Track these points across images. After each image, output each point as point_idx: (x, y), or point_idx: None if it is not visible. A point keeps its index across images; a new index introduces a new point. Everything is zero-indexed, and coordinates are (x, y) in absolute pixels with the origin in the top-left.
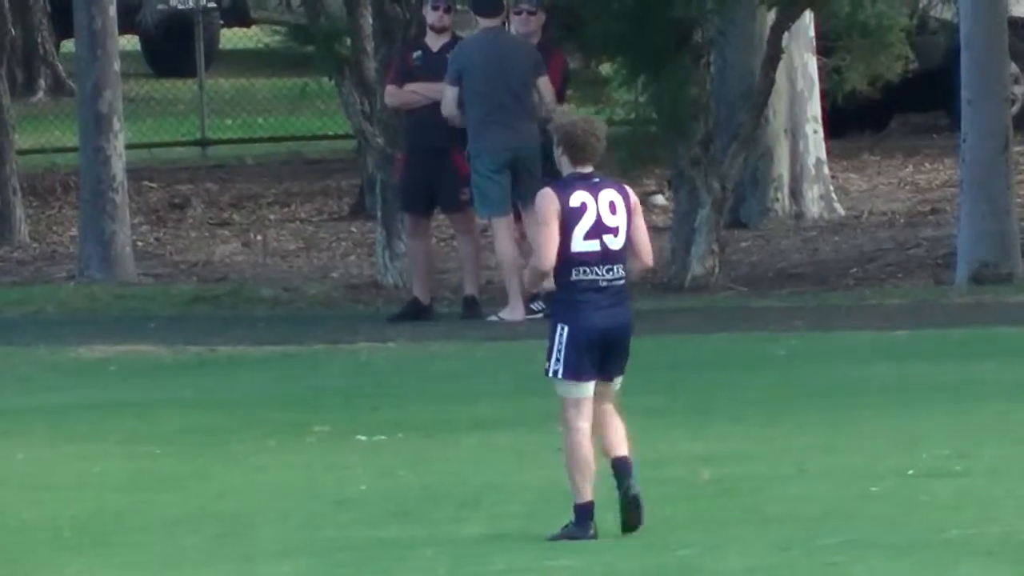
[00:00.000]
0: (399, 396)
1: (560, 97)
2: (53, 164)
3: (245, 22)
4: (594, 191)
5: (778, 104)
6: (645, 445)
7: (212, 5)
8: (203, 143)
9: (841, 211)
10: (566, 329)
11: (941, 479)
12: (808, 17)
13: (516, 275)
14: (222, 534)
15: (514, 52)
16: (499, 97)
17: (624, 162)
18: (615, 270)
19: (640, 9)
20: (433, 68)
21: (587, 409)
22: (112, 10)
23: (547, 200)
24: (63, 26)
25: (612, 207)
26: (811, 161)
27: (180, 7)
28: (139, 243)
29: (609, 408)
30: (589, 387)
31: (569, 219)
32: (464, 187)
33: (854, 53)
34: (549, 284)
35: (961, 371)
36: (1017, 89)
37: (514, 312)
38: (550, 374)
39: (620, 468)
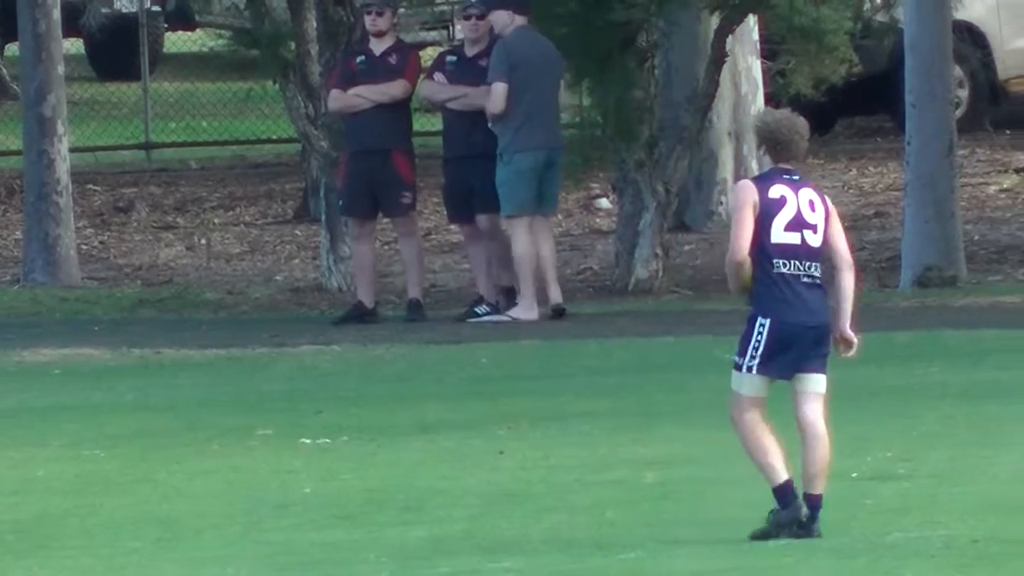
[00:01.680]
0: (343, 399)
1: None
2: None
3: (189, 25)
4: (794, 187)
5: (722, 107)
6: (588, 449)
7: (156, 9)
8: (147, 147)
9: None
10: (768, 324)
11: (885, 482)
12: (752, 20)
13: (531, 275)
14: (165, 538)
15: (553, 52)
16: (543, 96)
17: (569, 166)
18: (815, 267)
19: (584, 12)
20: (376, 72)
21: (758, 405)
22: (56, 13)
23: (745, 189)
24: (7, 29)
25: (811, 205)
26: (755, 164)
27: (124, 10)
28: (83, 246)
29: (813, 421)
30: (768, 388)
31: (769, 209)
32: (405, 190)
33: (798, 56)
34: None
35: (905, 374)
36: (961, 92)
37: (528, 311)
38: (743, 369)
39: (810, 506)
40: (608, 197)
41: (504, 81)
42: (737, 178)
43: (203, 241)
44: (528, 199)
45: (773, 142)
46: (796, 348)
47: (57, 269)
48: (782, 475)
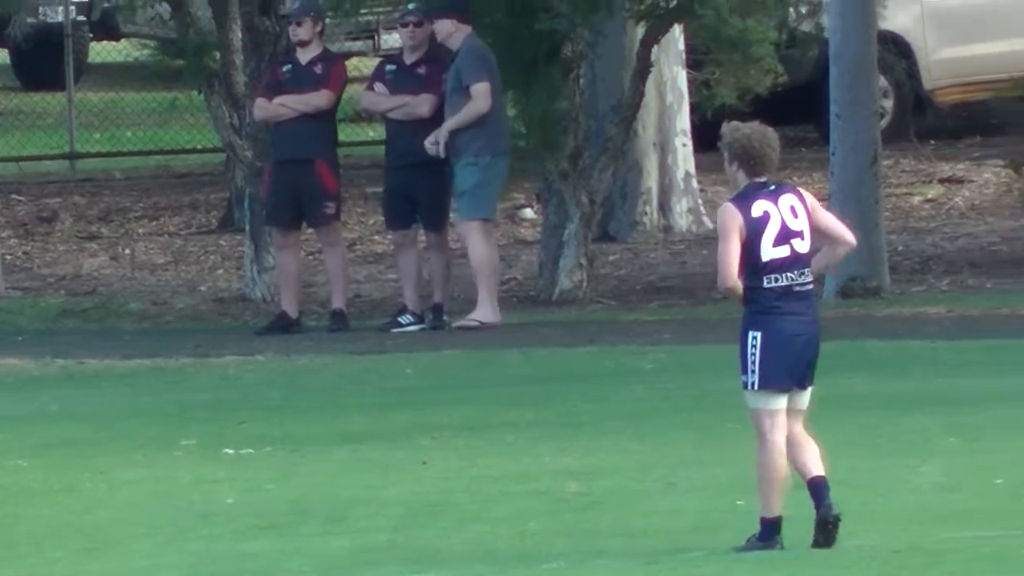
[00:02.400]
0: (267, 409)
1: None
2: None
3: (115, 36)
4: (774, 198)
5: (647, 118)
6: (511, 460)
7: (82, 19)
8: (72, 156)
9: (709, 224)
10: (759, 336)
11: (806, 492)
12: (678, 31)
13: (492, 278)
14: (90, 548)
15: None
16: (500, 102)
17: None
18: (805, 274)
19: (509, 22)
20: (302, 81)
21: (782, 421)
22: None
23: (728, 215)
24: None
25: (793, 211)
26: (680, 175)
27: (50, 20)
28: (7, 256)
29: (801, 430)
30: (783, 399)
31: (755, 228)
32: (329, 200)
33: (723, 67)
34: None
35: (828, 384)
36: (886, 102)
37: (493, 314)
38: (748, 387)
39: (816, 488)
40: (532, 207)
41: (487, 81)
42: (662, 189)
43: (127, 251)
44: (494, 204)
45: (747, 157)
46: (790, 356)
47: None
48: (776, 511)
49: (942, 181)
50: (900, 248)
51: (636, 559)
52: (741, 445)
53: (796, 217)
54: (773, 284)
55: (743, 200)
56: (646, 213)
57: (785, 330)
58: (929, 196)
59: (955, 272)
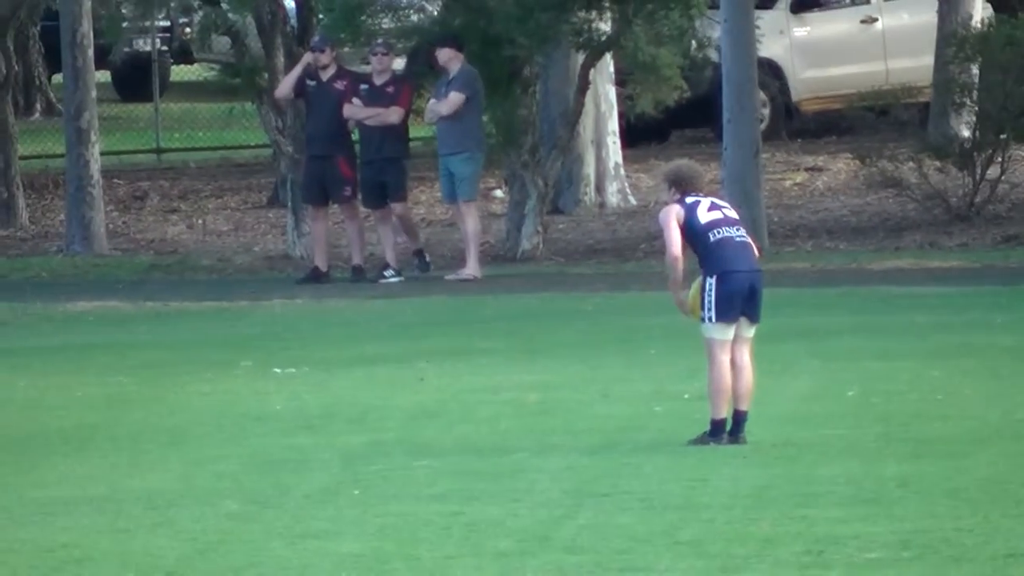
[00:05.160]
0: (304, 339)
1: (408, 114)
2: (46, 167)
3: (190, 60)
4: (703, 197)
5: (587, 122)
6: (486, 377)
7: (164, 48)
8: (158, 151)
9: (634, 201)
10: (713, 279)
11: (707, 402)
12: (609, 57)
13: (477, 242)
14: (172, 442)
15: None
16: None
17: None
18: (740, 230)
19: (482, 50)
20: (323, 95)
21: (726, 348)
22: (90, 52)
23: (667, 211)
24: (53, 63)
25: (719, 198)
26: (611, 164)
27: (140, 49)
28: (110, 225)
29: (741, 357)
30: (731, 330)
31: (691, 208)
32: (347, 185)
33: (642, 84)
34: (677, 281)
35: None
36: (764, 111)
37: (478, 270)
38: (706, 321)
39: (737, 418)
40: (501, 189)
41: (465, 94)
42: (598, 174)
43: (199, 221)
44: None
45: (681, 181)
46: (738, 294)
47: (91, 242)
48: (722, 413)
49: (807, 169)
50: (776, 219)
51: (580, 451)
52: (659, 366)
53: (722, 199)
54: (718, 236)
55: (679, 201)
56: (586, 193)
57: (734, 269)
58: (797, 181)
59: (816, 237)
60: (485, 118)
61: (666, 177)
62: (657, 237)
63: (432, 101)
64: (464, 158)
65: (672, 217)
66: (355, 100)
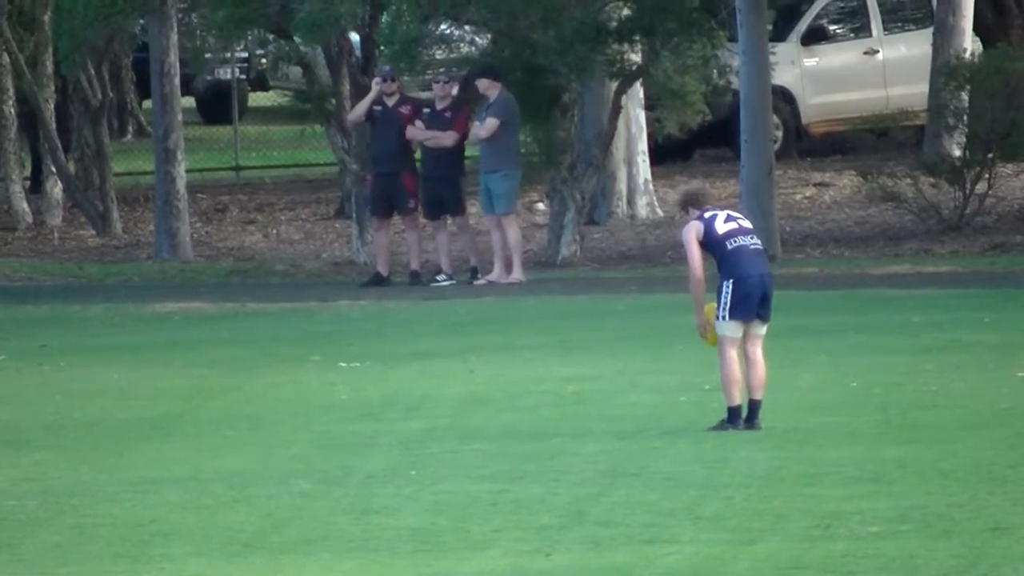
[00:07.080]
0: (367, 337)
1: (464, 137)
2: (137, 183)
3: (265, 88)
4: (718, 210)
5: (619, 142)
6: (529, 370)
7: (243, 76)
8: (237, 168)
9: (661, 213)
10: (730, 283)
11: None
12: (639, 84)
13: (520, 250)
14: (250, 429)
15: None
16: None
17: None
18: (755, 238)
19: (525, 79)
20: (389, 119)
21: (736, 344)
22: (176, 80)
23: (688, 229)
24: (144, 90)
25: (735, 212)
26: (641, 180)
27: (221, 78)
28: (195, 235)
29: (754, 353)
30: (741, 328)
31: (709, 223)
32: (411, 199)
33: (669, 109)
34: (700, 303)
35: None
36: (778, 133)
37: (520, 275)
38: (720, 319)
39: (752, 407)
40: (543, 202)
41: (501, 120)
42: (629, 190)
43: (274, 231)
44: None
45: (692, 201)
46: (753, 296)
47: (177, 250)
48: (736, 400)
49: (815, 185)
50: (787, 229)
51: (612, 435)
52: (683, 360)
53: (737, 212)
54: (735, 244)
55: (697, 218)
56: (619, 206)
57: (747, 273)
58: (806, 195)
59: (824, 245)
60: (528, 139)
61: (678, 204)
62: (681, 246)
63: (476, 124)
64: (501, 176)
65: (692, 235)
66: (417, 123)
